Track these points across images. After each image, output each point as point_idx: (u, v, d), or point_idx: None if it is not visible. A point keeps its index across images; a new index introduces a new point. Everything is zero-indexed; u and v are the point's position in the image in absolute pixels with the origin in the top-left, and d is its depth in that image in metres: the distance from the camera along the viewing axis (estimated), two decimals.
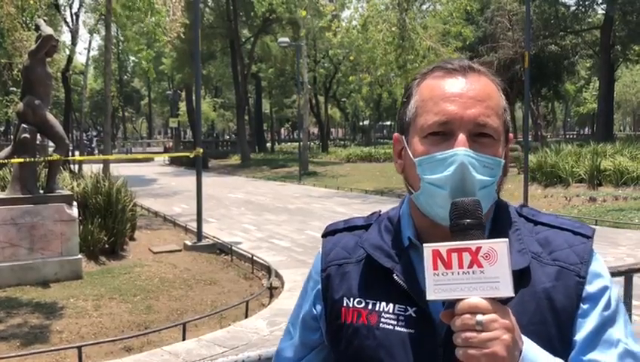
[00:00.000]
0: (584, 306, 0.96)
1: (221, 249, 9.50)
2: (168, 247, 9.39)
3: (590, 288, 0.97)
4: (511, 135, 1.04)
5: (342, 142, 59.31)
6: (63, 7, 25.15)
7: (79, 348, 4.80)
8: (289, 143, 64.16)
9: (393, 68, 17.06)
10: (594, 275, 0.98)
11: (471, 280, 0.83)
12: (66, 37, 30.70)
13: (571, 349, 0.95)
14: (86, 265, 7.80)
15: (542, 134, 35.84)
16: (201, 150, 9.81)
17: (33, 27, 11.00)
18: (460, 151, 0.92)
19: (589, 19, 35.95)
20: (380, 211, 1.16)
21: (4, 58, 18.52)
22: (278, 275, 7.64)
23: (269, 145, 51.63)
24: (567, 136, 59.00)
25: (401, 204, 1.11)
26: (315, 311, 1.12)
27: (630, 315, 2.52)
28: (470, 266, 0.84)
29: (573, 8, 34.45)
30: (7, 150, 7.92)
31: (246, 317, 6.05)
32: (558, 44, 33.52)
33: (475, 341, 0.81)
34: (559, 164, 15.61)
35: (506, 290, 0.82)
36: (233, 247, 9.23)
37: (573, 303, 0.96)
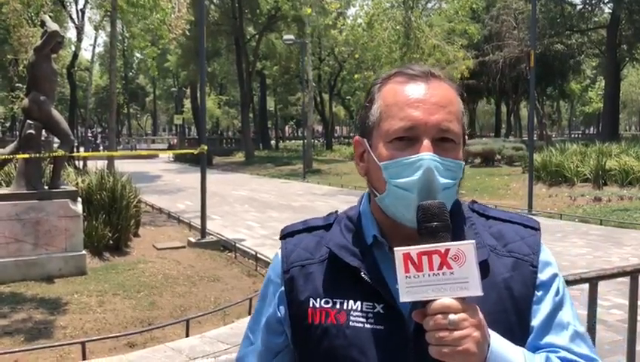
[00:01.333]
0: (538, 293, 1.02)
1: (225, 246, 9.51)
2: (172, 244, 9.41)
3: (542, 276, 1.04)
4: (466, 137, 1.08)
5: (346, 140, 59.29)
6: (68, 4, 25.21)
7: (83, 343, 4.82)
8: (293, 141, 64.17)
9: (398, 66, 17.03)
10: (544, 264, 1.05)
11: (441, 281, 0.87)
12: (71, 33, 30.74)
13: (529, 334, 1.01)
14: (90, 261, 7.82)
15: (547, 133, 35.72)
16: (206, 147, 9.81)
17: (39, 23, 11.03)
18: (427, 156, 0.96)
19: (596, 19, 35.79)
20: (337, 211, 1.17)
21: (9, 54, 18.59)
22: None
23: (273, 142, 51.68)
24: (573, 136, 58.77)
25: (360, 204, 1.13)
26: (279, 314, 1.10)
27: (635, 317, 2.50)
28: (440, 268, 0.87)
29: (580, 7, 34.31)
30: (12, 146, 7.95)
31: (249, 314, 6.04)
32: (563, 43, 33.40)
33: (448, 339, 0.85)
34: (564, 163, 15.57)
35: (475, 290, 0.86)
36: (237, 244, 9.24)
37: (529, 291, 1.02)
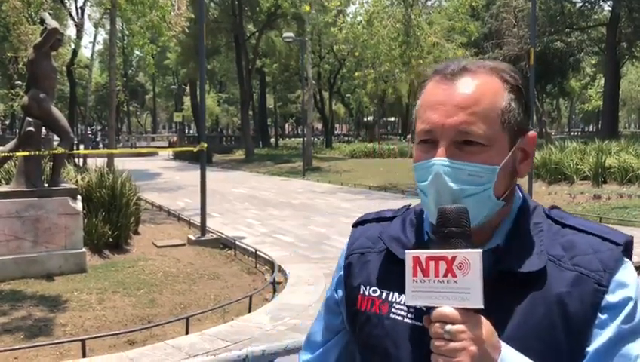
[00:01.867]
0: (602, 316, 0.92)
1: (225, 243, 9.51)
2: (172, 241, 9.41)
3: (611, 298, 0.92)
4: (533, 133, 1.01)
5: (346, 138, 59.30)
6: (68, 1, 25.17)
7: (83, 341, 4.82)
8: (293, 139, 64.19)
9: (398, 64, 17.02)
10: (618, 284, 0.93)
11: (445, 289, 0.85)
12: (71, 31, 30.71)
13: (581, 359, 0.92)
14: (90, 259, 7.82)
15: (546, 131, 35.74)
16: (205, 145, 9.81)
17: (38, 21, 11.02)
18: (437, 161, 0.94)
19: (595, 16, 35.78)
20: (411, 205, 1.17)
21: (9, 51, 18.60)
22: (281, 270, 7.65)
23: (273, 140, 51.66)
24: (572, 133, 58.79)
25: None
26: (336, 296, 1.16)
27: None
28: (445, 275, 0.85)
29: (579, 5, 34.29)
30: (11, 143, 7.94)
31: (249, 311, 6.06)
32: (563, 41, 33.40)
33: (443, 349, 0.84)
34: (564, 161, 15.56)
35: (476, 302, 0.83)
36: (237, 242, 9.25)
37: (588, 312, 0.91)
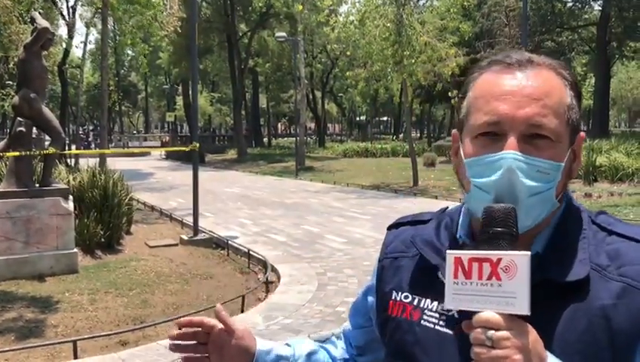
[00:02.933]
0: None
1: (217, 243, 9.50)
2: (164, 241, 9.38)
3: None
4: (582, 134, 0.96)
5: (339, 138, 59.34)
6: (59, 1, 25.00)
7: (74, 342, 4.80)
8: (286, 138, 64.14)
9: (390, 63, 17.03)
10: None
11: (488, 292, 0.80)
12: (62, 30, 30.55)
13: None
14: (82, 259, 7.79)
15: None
16: (197, 144, 9.79)
17: (29, 20, 10.94)
18: (508, 154, 0.86)
19: (586, 16, 36.02)
20: (448, 207, 1.12)
21: (0, 51, 18.42)
22: (274, 270, 7.65)
23: (265, 140, 51.60)
24: None
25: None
26: (367, 303, 1.16)
27: None
28: (489, 278, 0.80)
29: (570, 4, 34.50)
30: (2, 143, 7.89)
31: (242, 311, 6.06)
32: (554, 41, 33.60)
33: (484, 357, 0.78)
34: None
35: (521, 308, 0.78)
36: (229, 242, 9.23)
37: (636, 326, 0.84)
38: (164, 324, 5.52)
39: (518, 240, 0.83)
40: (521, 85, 0.90)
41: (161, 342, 5.11)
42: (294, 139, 28.35)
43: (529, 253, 0.79)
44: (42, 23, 7.71)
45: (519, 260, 0.79)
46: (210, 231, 10.20)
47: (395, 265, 1.07)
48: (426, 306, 0.99)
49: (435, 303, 0.97)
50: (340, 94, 56.17)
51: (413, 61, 16.24)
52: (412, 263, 1.05)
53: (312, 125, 58.39)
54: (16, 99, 7.68)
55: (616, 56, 37.20)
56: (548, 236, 0.93)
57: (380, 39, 16.50)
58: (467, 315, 0.84)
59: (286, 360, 1.13)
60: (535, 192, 0.87)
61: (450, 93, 16.55)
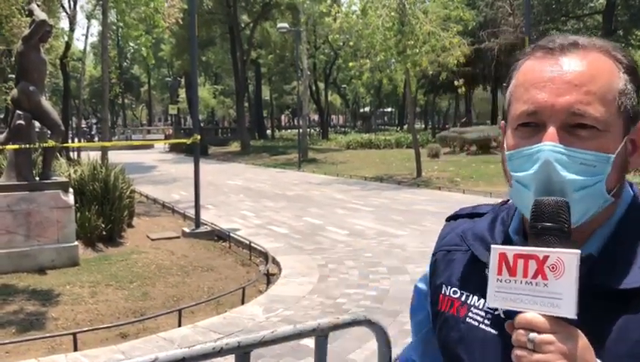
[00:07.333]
0: None
1: (219, 236, 9.48)
2: (166, 234, 9.38)
3: None
4: None
5: (342, 129, 59.23)
6: None
7: (75, 334, 4.81)
8: (289, 130, 64.09)
9: (393, 53, 16.91)
10: None
11: (533, 292, 0.75)
12: (64, 23, 30.48)
13: None
14: (83, 252, 7.79)
15: None
16: (199, 136, 9.75)
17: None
18: (546, 146, 0.80)
19: (591, 4, 35.68)
20: (509, 200, 1.03)
21: (2, 45, 18.40)
22: (275, 262, 7.63)
23: (269, 132, 51.60)
24: None
25: None
26: (423, 292, 1.12)
27: None
28: (535, 276, 0.75)
29: None
30: (1, 136, 7.88)
31: (242, 303, 6.04)
32: (559, 29, 33.28)
33: (525, 361, 0.73)
34: None
35: (568, 310, 0.72)
36: (231, 234, 9.22)
37: None
38: (164, 316, 5.52)
39: (571, 238, 0.77)
40: (562, 71, 0.83)
41: (161, 334, 5.10)
42: (297, 131, 28.27)
43: (578, 251, 0.74)
44: (40, 15, 7.68)
45: (567, 259, 0.73)
46: (212, 223, 10.18)
47: (448, 259, 1.03)
48: (473, 303, 0.94)
49: (482, 301, 0.92)
50: (344, 85, 55.96)
51: (416, 51, 16.11)
52: (464, 258, 1.00)
53: (316, 117, 58.28)
54: (15, 91, 7.67)
55: (623, 44, 36.87)
56: (605, 236, 0.86)
57: (382, 29, 16.37)
58: (513, 315, 0.78)
59: None
60: (579, 187, 0.80)
61: (455, 83, 16.41)
